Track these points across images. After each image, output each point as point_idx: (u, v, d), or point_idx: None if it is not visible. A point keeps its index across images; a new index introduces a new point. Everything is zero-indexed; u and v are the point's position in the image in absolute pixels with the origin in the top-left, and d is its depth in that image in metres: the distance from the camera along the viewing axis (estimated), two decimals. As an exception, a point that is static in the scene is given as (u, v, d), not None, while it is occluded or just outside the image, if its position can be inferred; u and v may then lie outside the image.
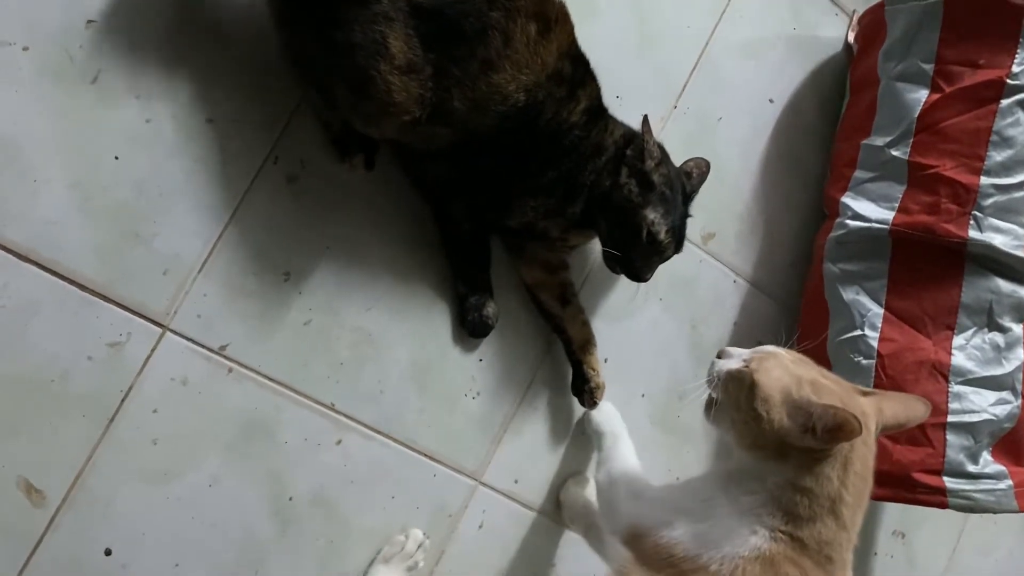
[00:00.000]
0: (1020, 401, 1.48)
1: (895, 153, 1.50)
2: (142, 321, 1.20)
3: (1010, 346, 1.48)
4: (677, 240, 1.32)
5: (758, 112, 1.67)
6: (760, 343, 1.15)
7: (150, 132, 1.19)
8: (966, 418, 1.44)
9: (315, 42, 1.13)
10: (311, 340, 1.30)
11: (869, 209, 1.51)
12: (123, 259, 1.19)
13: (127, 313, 1.19)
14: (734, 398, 1.06)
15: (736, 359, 1.09)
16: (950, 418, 1.43)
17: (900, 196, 1.49)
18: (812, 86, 1.72)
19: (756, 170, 1.67)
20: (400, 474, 1.37)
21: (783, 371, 1.04)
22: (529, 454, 1.47)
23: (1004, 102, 1.43)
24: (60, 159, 1.15)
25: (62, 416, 1.16)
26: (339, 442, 1.33)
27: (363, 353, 1.34)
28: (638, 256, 1.30)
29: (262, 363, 1.27)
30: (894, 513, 1.86)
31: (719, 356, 1.13)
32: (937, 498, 1.44)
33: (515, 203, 1.31)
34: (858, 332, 1.49)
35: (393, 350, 1.36)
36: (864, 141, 1.55)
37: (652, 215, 1.27)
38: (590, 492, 1.45)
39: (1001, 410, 1.45)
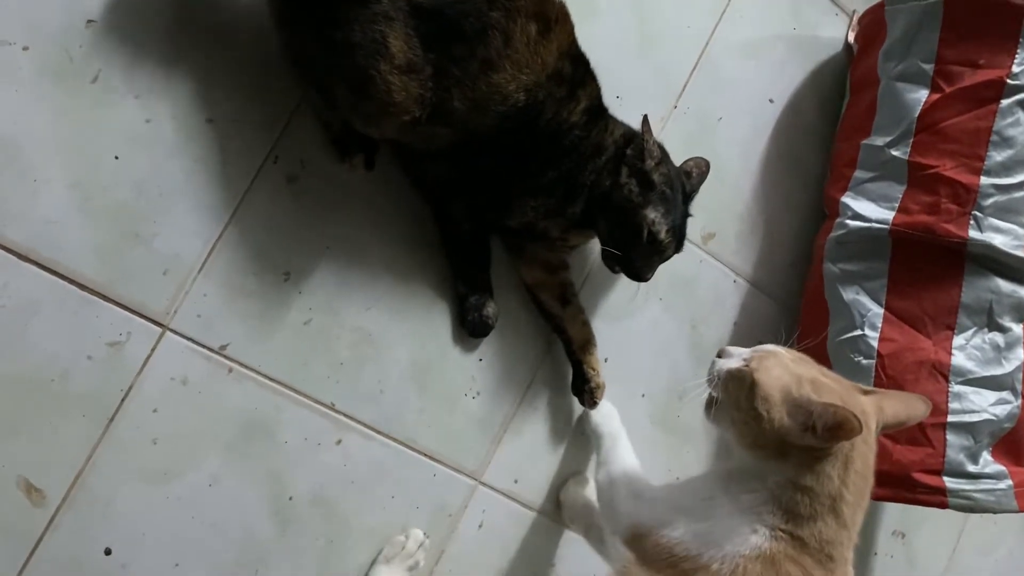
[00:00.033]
0: (1020, 401, 1.48)
1: (895, 153, 1.50)
2: (142, 321, 1.20)
3: (1010, 346, 1.48)
4: (678, 240, 1.32)
5: (758, 112, 1.67)
6: (760, 343, 1.15)
7: (150, 132, 1.19)
8: (966, 418, 1.44)
9: (315, 42, 1.13)
10: (311, 340, 1.30)
11: (869, 209, 1.51)
12: (123, 259, 1.19)
13: (127, 313, 1.19)
14: (734, 397, 1.06)
15: (736, 358, 1.09)
16: (950, 418, 1.43)
17: (900, 196, 1.49)
18: (812, 86, 1.72)
19: (756, 170, 1.67)
20: (400, 474, 1.37)
21: (783, 370, 1.04)
22: (529, 454, 1.47)
23: (1004, 102, 1.43)
24: (60, 159, 1.15)
25: (62, 416, 1.16)
26: (339, 442, 1.33)
27: (363, 353, 1.34)
28: (638, 256, 1.30)
29: (262, 363, 1.27)
30: (894, 513, 1.86)
31: (719, 355, 1.13)
32: (937, 498, 1.44)
33: (515, 203, 1.31)
34: (858, 332, 1.49)
35: (393, 350, 1.36)
36: (864, 141, 1.55)
37: (652, 215, 1.27)
38: (590, 492, 1.45)
39: (1001, 410, 1.46)
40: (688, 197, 1.36)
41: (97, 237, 1.17)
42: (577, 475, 1.50)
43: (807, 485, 1.00)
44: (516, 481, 1.46)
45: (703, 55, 1.60)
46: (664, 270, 1.36)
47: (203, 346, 1.24)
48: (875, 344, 1.47)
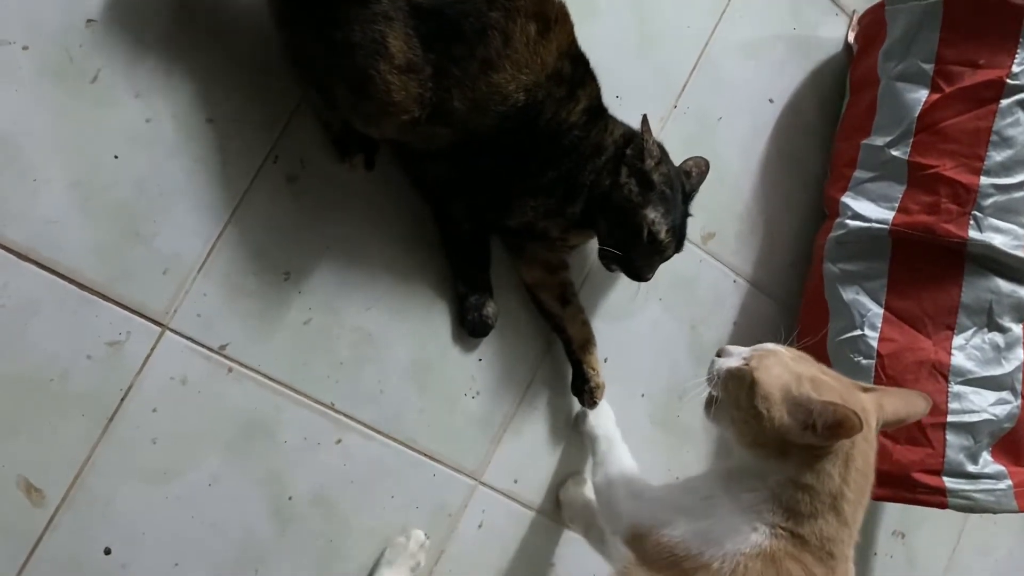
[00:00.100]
0: (1020, 401, 1.48)
1: (895, 153, 1.50)
2: (142, 320, 1.20)
3: (1010, 346, 1.48)
4: (678, 239, 1.32)
5: (758, 112, 1.67)
6: (760, 342, 1.15)
7: (150, 131, 1.19)
8: (966, 418, 1.44)
9: (315, 42, 1.13)
10: (311, 340, 1.30)
11: (869, 209, 1.51)
12: (123, 258, 1.19)
13: (127, 312, 1.19)
14: (734, 396, 1.06)
15: (736, 357, 1.09)
16: (950, 418, 1.43)
17: (900, 196, 1.49)
18: (812, 86, 1.72)
19: (756, 170, 1.67)
20: (400, 474, 1.37)
21: (783, 368, 1.04)
22: (529, 454, 1.47)
23: (1004, 102, 1.43)
24: (60, 158, 1.15)
25: (62, 415, 1.16)
26: (339, 442, 1.33)
27: (363, 353, 1.34)
28: (639, 256, 1.30)
29: (262, 362, 1.27)
30: (894, 513, 1.86)
31: (719, 354, 1.13)
32: (937, 498, 1.44)
33: (515, 203, 1.31)
34: (858, 332, 1.49)
35: (393, 350, 1.36)
36: (864, 141, 1.55)
37: (652, 214, 1.27)
38: (589, 491, 1.45)
39: (1001, 410, 1.46)
40: (688, 197, 1.36)
41: (97, 237, 1.17)
42: (576, 475, 1.50)
43: (808, 483, 1.00)
44: (516, 481, 1.46)
45: (703, 55, 1.60)
46: (664, 270, 1.36)
47: (203, 346, 1.24)
48: (875, 344, 1.47)
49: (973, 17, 1.45)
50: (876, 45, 1.58)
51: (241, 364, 1.26)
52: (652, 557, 1.04)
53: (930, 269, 1.47)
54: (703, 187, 1.41)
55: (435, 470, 1.40)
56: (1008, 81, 1.42)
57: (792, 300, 1.70)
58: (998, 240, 1.43)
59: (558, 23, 1.21)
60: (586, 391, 1.43)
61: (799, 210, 1.71)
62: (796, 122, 1.70)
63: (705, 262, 1.62)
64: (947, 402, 1.44)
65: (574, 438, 1.50)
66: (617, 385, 1.48)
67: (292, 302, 1.29)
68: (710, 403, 1.12)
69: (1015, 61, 1.42)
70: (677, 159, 1.37)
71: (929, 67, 1.48)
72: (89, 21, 1.16)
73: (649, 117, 1.28)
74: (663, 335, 1.58)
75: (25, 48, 1.13)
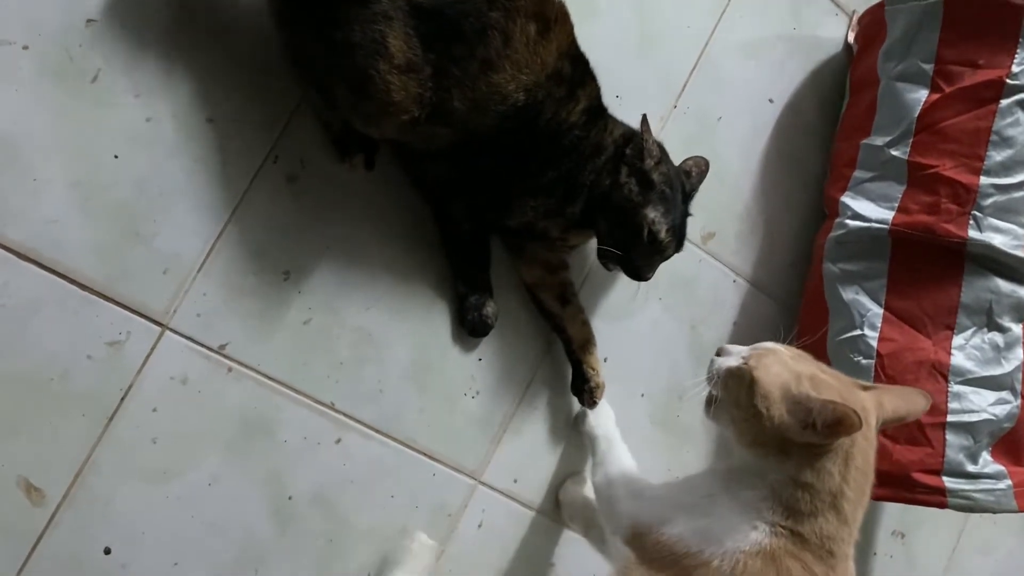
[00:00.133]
0: (1019, 401, 1.48)
1: (895, 153, 1.50)
2: (142, 320, 1.20)
3: (1009, 346, 1.48)
4: (678, 239, 1.32)
5: (758, 112, 1.67)
6: (760, 342, 1.15)
7: (150, 131, 1.20)
8: (965, 418, 1.44)
9: (315, 42, 1.13)
10: (311, 339, 1.30)
11: (869, 209, 1.51)
12: (123, 258, 1.19)
13: (127, 312, 1.19)
14: (734, 395, 1.06)
15: (735, 356, 1.09)
16: (949, 418, 1.43)
17: (900, 196, 1.49)
18: (812, 86, 1.72)
19: (756, 170, 1.67)
20: (400, 473, 1.37)
21: (782, 367, 1.05)
22: (529, 453, 1.47)
23: (1004, 102, 1.43)
24: (60, 158, 1.15)
25: (62, 415, 1.16)
26: (339, 441, 1.33)
27: (363, 352, 1.34)
28: (639, 255, 1.30)
29: (262, 362, 1.27)
30: (894, 513, 1.86)
31: (718, 354, 1.13)
32: (936, 498, 1.44)
33: (515, 203, 1.31)
34: (858, 332, 1.49)
35: (393, 350, 1.36)
36: (864, 141, 1.55)
37: (652, 214, 1.27)
38: (589, 491, 1.45)
39: (1000, 410, 1.45)
40: (688, 196, 1.36)
41: (97, 236, 1.17)
42: (576, 474, 1.50)
43: (807, 482, 1.00)
44: (516, 481, 1.46)
45: (703, 55, 1.60)
46: (664, 270, 1.36)
47: (203, 345, 1.24)
48: (874, 344, 1.47)
49: (973, 17, 1.45)
50: (876, 45, 1.58)
51: (241, 364, 1.26)
52: (652, 555, 1.04)
53: (930, 269, 1.47)
54: (703, 187, 1.41)
55: (435, 470, 1.40)
56: (1008, 81, 1.42)
57: (792, 300, 1.71)
58: (998, 240, 1.43)
59: (558, 23, 1.21)
60: (586, 391, 1.43)
61: (799, 210, 1.71)
62: (796, 122, 1.70)
63: (705, 262, 1.62)
64: (947, 402, 1.44)
65: (574, 438, 1.50)
66: (617, 385, 1.48)
67: (292, 302, 1.29)
68: (710, 402, 1.12)
69: (1015, 61, 1.42)
70: (677, 159, 1.38)
71: (929, 67, 1.48)
72: (89, 21, 1.16)
73: (649, 117, 1.28)
74: (663, 335, 1.58)
75: (25, 48, 1.13)
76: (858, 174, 1.55)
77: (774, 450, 1.02)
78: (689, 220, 1.37)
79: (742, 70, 1.64)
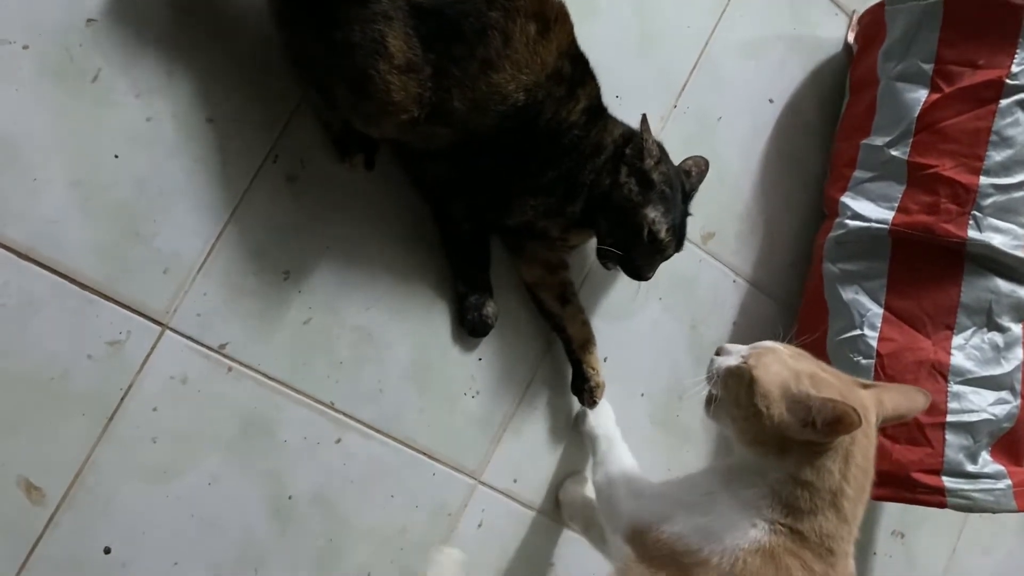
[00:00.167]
0: (1019, 401, 1.48)
1: (895, 153, 1.50)
2: (142, 319, 1.20)
3: (1009, 346, 1.48)
4: (678, 238, 1.32)
5: (758, 112, 1.68)
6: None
7: (150, 131, 1.20)
8: (965, 418, 1.43)
9: (315, 42, 1.13)
10: (311, 339, 1.30)
11: (869, 209, 1.51)
12: (123, 258, 1.19)
13: (127, 312, 1.19)
14: (734, 394, 1.06)
15: (735, 355, 1.09)
16: (949, 418, 1.43)
17: (900, 196, 1.49)
18: (812, 86, 1.72)
19: (756, 170, 1.67)
20: (399, 473, 1.37)
21: (782, 366, 1.04)
22: (528, 453, 1.47)
23: (1003, 102, 1.43)
24: (60, 158, 1.15)
25: (62, 414, 1.16)
26: (339, 441, 1.33)
27: (363, 352, 1.34)
28: (639, 255, 1.30)
29: (262, 362, 1.27)
30: (894, 513, 1.86)
31: (718, 353, 1.13)
32: (936, 498, 1.44)
33: (515, 203, 1.31)
34: (857, 332, 1.49)
35: (393, 349, 1.36)
36: (864, 141, 1.55)
37: (652, 214, 1.27)
38: (589, 490, 1.45)
39: (1000, 410, 1.45)
40: (688, 196, 1.37)
41: (97, 236, 1.17)
42: (576, 474, 1.50)
43: (807, 480, 1.00)
44: (515, 480, 1.46)
45: (703, 55, 1.60)
46: (664, 270, 1.36)
47: (203, 345, 1.24)
48: (874, 344, 1.47)
49: (973, 17, 1.45)
50: (876, 45, 1.59)
51: (241, 363, 1.26)
52: (652, 553, 1.04)
53: (930, 269, 1.47)
54: (703, 187, 1.41)
55: (435, 469, 1.40)
56: (1008, 81, 1.42)
57: (792, 300, 1.71)
58: (997, 240, 1.43)
59: (558, 23, 1.21)
60: (586, 390, 1.43)
61: (799, 210, 1.71)
62: (796, 122, 1.71)
63: (705, 262, 1.62)
64: (946, 402, 1.44)
65: (574, 438, 1.50)
66: (617, 385, 1.48)
67: (292, 302, 1.29)
68: (710, 401, 1.12)
69: (1015, 61, 1.42)
70: (677, 159, 1.38)
71: (929, 67, 1.48)
72: (89, 21, 1.16)
73: (649, 117, 1.28)
74: (663, 335, 1.58)
75: (25, 48, 1.13)
76: (858, 174, 1.55)
77: (774, 448, 1.02)
78: (689, 220, 1.37)
79: (742, 70, 1.64)
